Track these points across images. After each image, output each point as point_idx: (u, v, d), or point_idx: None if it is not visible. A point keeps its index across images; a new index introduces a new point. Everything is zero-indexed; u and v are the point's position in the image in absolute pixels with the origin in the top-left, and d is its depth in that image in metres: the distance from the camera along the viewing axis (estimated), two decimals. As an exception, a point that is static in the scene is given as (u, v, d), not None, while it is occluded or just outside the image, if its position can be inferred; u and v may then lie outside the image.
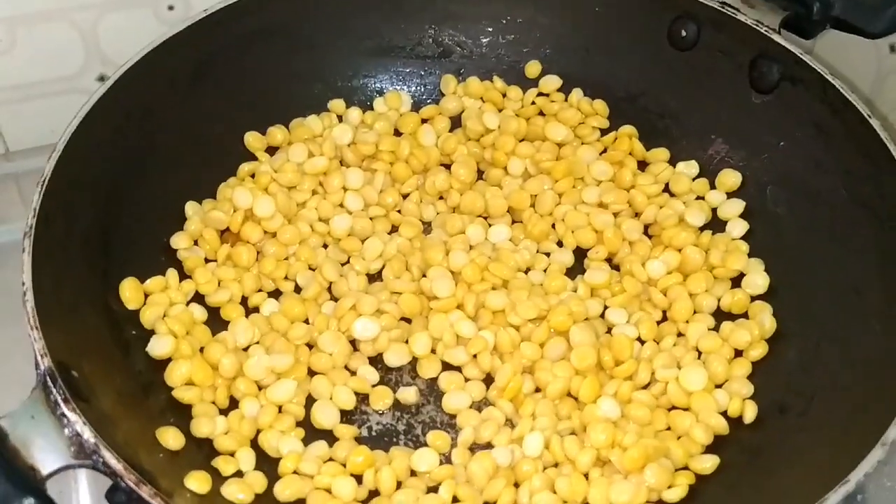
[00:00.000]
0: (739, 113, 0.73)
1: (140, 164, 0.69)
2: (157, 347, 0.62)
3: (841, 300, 0.64)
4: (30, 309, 0.55)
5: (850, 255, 0.65)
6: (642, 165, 0.75)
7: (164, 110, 0.71)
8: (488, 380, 0.65)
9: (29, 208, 0.60)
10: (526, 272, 0.70)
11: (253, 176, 0.73)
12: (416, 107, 0.79)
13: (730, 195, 0.73)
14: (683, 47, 0.75)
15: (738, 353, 0.65)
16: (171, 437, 0.58)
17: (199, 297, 0.67)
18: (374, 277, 0.70)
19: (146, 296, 0.65)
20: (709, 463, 0.60)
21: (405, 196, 0.74)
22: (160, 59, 0.70)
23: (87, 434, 0.51)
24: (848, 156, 0.67)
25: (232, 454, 0.59)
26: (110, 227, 0.65)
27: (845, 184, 0.67)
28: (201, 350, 0.64)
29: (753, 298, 0.68)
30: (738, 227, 0.71)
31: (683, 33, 0.75)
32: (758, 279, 0.68)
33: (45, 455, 0.50)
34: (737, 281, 0.69)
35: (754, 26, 0.71)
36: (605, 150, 0.76)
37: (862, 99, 0.67)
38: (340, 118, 0.78)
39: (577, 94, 0.78)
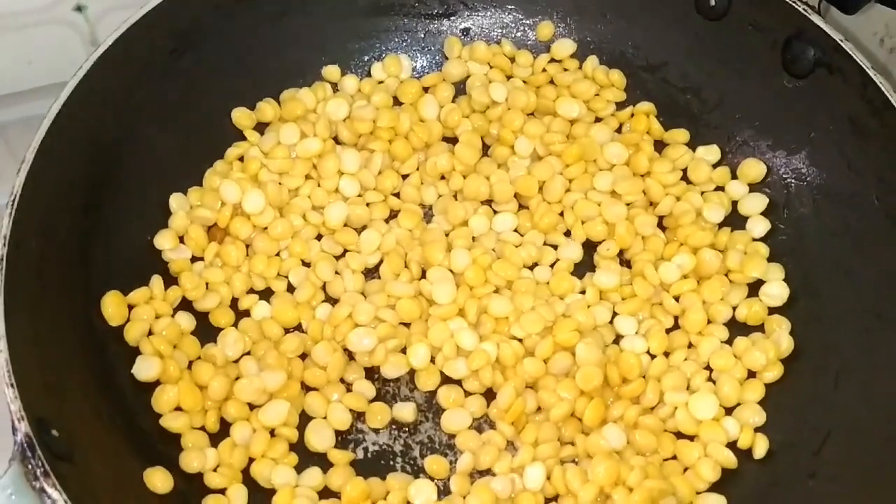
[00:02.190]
0: (768, 95, 0.67)
1: (119, 157, 0.64)
2: (143, 370, 0.59)
3: (862, 325, 0.61)
4: (3, 361, 0.52)
5: (876, 275, 0.61)
6: (660, 145, 0.70)
7: (144, 93, 0.65)
8: (489, 392, 0.63)
9: (17, 165, 0.57)
10: (532, 267, 0.67)
11: (241, 159, 0.68)
12: (418, 71, 0.73)
13: (752, 187, 0.68)
14: (712, 17, 0.68)
15: (752, 372, 0.62)
16: (159, 481, 0.56)
17: (186, 302, 0.64)
18: (371, 269, 0.67)
19: (130, 307, 0.62)
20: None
21: (404, 177, 0.70)
22: (136, 37, 0.64)
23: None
24: (884, 162, 0.62)
25: (223, 491, 0.58)
26: (89, 235, 0.61)
27: (878, 192, 0.62)
28: (189, 365, 0.61)
29: (771, 310, 0.64)
30: (759, 227, 0.67)
31: (712, 2, 0.68)
32: (777, 289, 0.64)
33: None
34: (753, 285, 0.65)
35: (791, 3, 0.64)
36: (620, 127, 0.71)
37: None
38: (335, 87, 0.72)
39: (591, 62, 0.72)
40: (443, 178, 0.70)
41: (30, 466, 0.49)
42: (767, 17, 0.66)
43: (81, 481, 0.51)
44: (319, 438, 0.60)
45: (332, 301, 0.65)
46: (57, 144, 0.59)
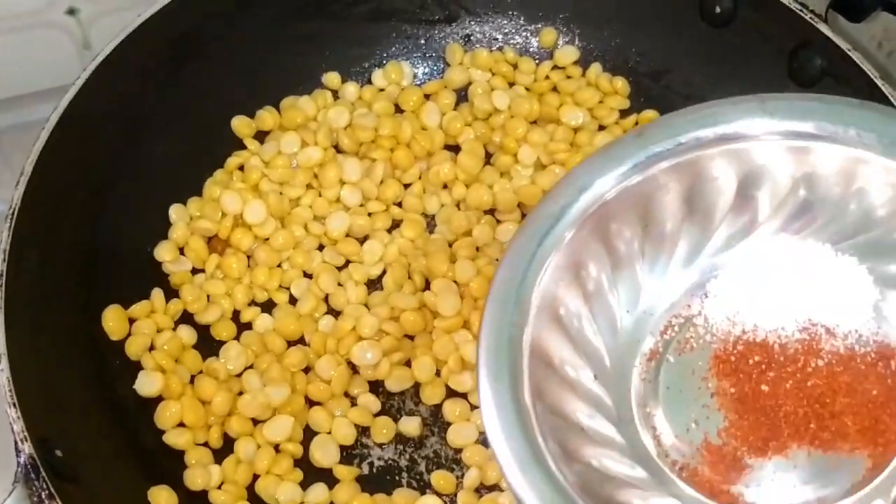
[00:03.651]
0: (774, 104, 0.67)
1: (118, 167, 0.63)
2: (146, 386, 0.59)
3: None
4: (5, 380, 0.51)
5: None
6: (664, 153, 0.70)
7: (142, 101, 0.65)
8: (495, 405, 0.62)
9: (11, 172, 0.56)
10: (536, 277, 0.66)
11: (241, 168, 0.67)
12: (419, 78, 0.72)
13: (758, 196, 0.68)
14: (717, 23, 0.68)
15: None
16: (163, 499, 0.55)
17: (187, 314, 0.63)
18: (374, 280, 0.66)
19: (131, 321, 0.61)
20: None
21: (406, 186, 0.69)
22: (135, 45, 0.63)
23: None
24: (892, 171, 0.61)
25: (229, 510, 0.57)
26: (88, 247, 0.61)
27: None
28: (191, 380, 0.60)
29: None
30: (765, 236, 0.67)
31: (718, 9, 0.67)
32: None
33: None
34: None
35: (798, 11, 0.64)
36: (624, 135, 0.70)
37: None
38: (335, 94, 0.71)
39: (595, 69, 0.71)
40: (445, 186, 0.69)
41: (34, 489, 0.48)
42: (773, 25, 0.65)
43: (87, 503, 0.50)
44: (324, 454, 0.60)
45: (335, 313, 0.64)
46: (55, 155, 0.58)
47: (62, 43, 0.77)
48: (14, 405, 0.50)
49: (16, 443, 0.50)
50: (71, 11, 0.75)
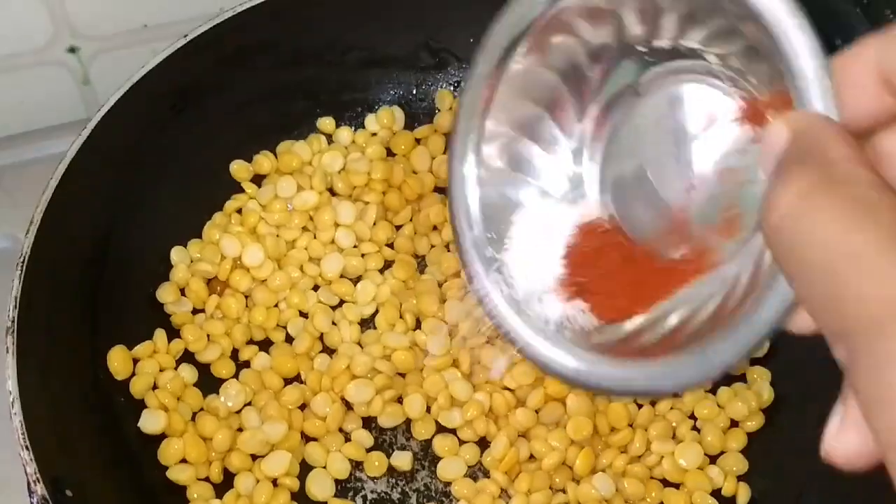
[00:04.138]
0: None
1: (121, 212, 0.66)
2: (150, 424, 0.61)
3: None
4: (18, 423, 0.53)
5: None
6: (644, 195, 0.73)
7: (145, 148, 0.67)
8: (483, 440, 0.65)
9: (15, 207, 0.57)
10: (522, 316, 0.69)
11: (240, 211, 0.70)
12: (410, 121, 0.75)
13: (733, 240, 0.71)
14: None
15: (734, 421, 0.65)
16: (168, 536, 0.58)
17: (188, 353, 0.66)
18: (367, 319, 0.69)
19: (135, 361, 0.64)
20: (699, 552, 0.61)
21: (398, 228, 0.72)
22: (139, 94, 0.65)
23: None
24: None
25: (229, 545, 0.60)
26: (94, 290, 0.63)
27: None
28: (193, 417, 0.63)
29: (752, 360, 0.67)
30: (740, 279, 0.70)
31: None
32: (758, 341, 0.67)
33: None
34: (736, 334, 0.68)
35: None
36: (606, 177, 0.73)
37: None
38: (329, 138, 0.74)
39: (579, 115, 0.74)
40: (435, 228, 0.72)
41: (46, 530, 0.51)
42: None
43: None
44: (320, 487, 0.62)
45: (330, 351, 0.67)
46: (63, 204, 0.61)
47: (64, 81, 0.79)
48: (27, 448, 0.53)
49: (28, 484, 0.52)
50: (72, 49, 0.78)
